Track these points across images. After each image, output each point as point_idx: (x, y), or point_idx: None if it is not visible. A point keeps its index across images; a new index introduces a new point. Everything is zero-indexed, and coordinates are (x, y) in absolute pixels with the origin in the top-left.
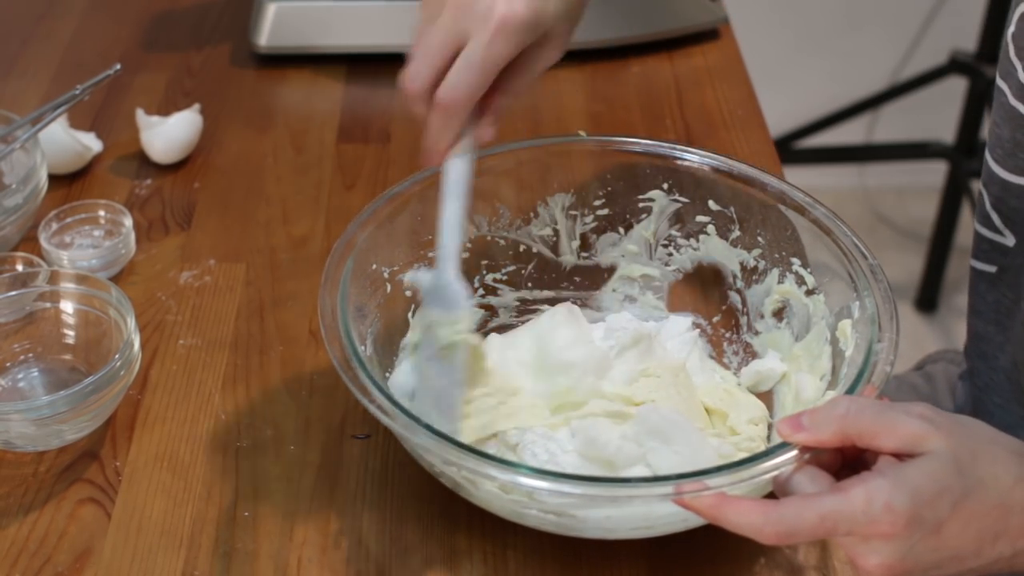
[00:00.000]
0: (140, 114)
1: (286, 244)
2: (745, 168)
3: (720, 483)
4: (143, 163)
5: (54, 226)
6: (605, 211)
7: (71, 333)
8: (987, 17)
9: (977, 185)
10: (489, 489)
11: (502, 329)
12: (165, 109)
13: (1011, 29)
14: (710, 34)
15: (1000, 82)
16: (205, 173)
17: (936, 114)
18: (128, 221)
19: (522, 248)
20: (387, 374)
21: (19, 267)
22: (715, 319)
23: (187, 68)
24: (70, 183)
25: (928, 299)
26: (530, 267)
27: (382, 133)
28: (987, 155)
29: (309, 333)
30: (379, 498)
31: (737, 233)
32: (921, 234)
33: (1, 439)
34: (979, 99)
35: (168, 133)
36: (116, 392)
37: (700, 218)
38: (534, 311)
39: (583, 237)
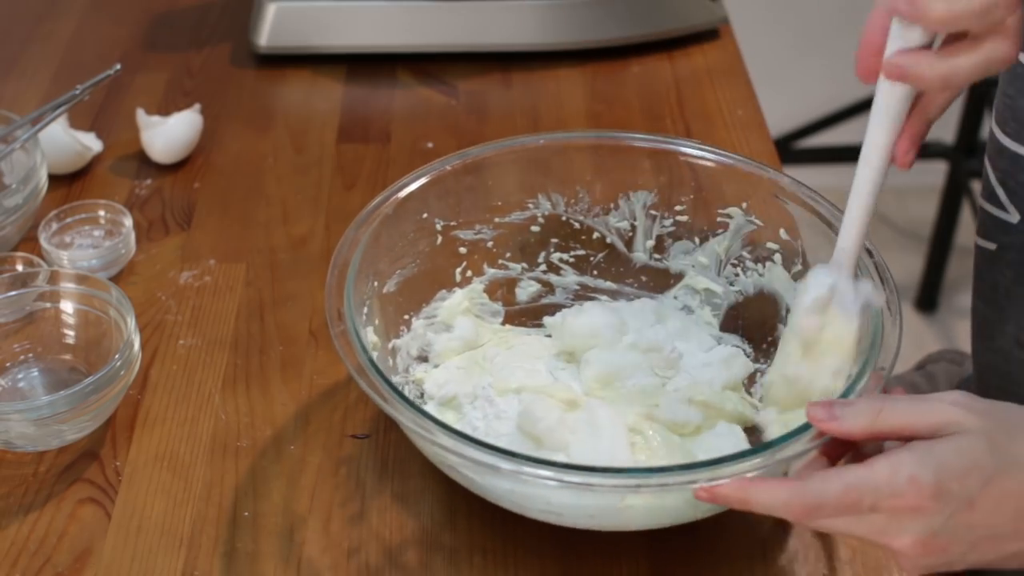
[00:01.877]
0: (140, 114)
1: (286, 244)
2: (820, 204)
3: (736, 470)
4: (143, 163)
5: (54, 226)
6: (685, 218)
7: (71, 333)
8: None
9: (986, 171)
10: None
11: (553, 308)
12: (165, 109)
13: None
14: (710, 34)
15: (1022, 56)
16: (205, 173)
17: None
18: (128, 221)
19: (596, 235)
20: (407, 316)
21: (19, 267)
22: (759, 348)
23: (187, 68)
24: (70, 183)
25: (928, 299)
26: (600, 256)
27: (382, 133)
28: (995, 129)
29: (309, 333)
30: (379, 498)
31: (799, 267)
32: (921, 234)
33: (1, 439)
34: (979, 99)
35: (168, 133)
36: (116, 392)
37: (770, 245)
38: (592, 299)
39: (659, 239)
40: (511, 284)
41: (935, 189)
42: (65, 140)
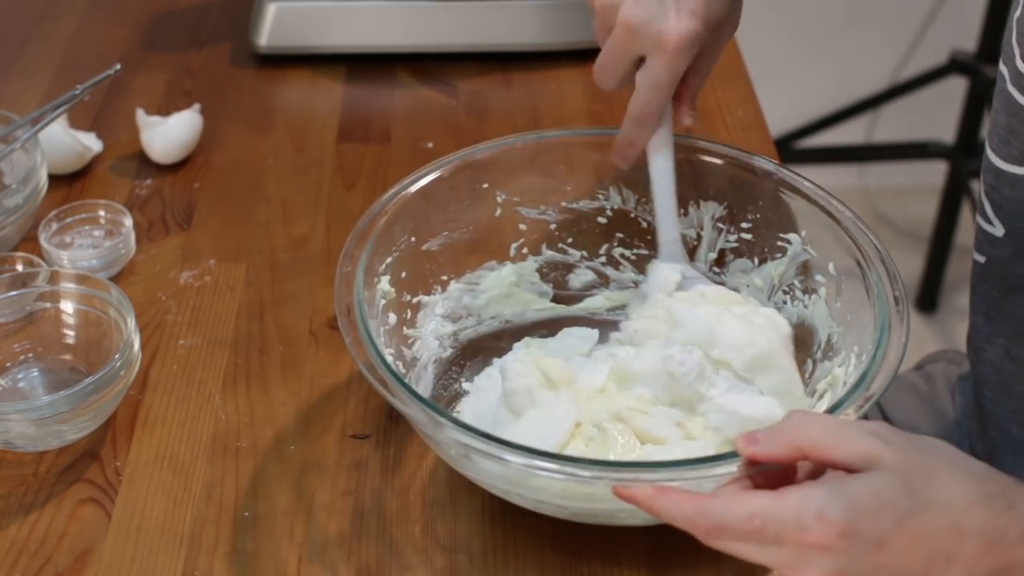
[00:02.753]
0: (140, 114)
1: (286, 244)
2: (870, 245)
3: (651, 478)
4: (143, 163)
5: (54, 226)
6: (749, 236)
7: (71, 333)
8: (987, 17)
9: (978, 184)
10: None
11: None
12: (165, 109)
13: (1017, 12)
14: None
15: (1001, 67)
16: (205, 173)
17: (936, 114)
18: (128, 221)
19: None
20: (444, 276)
21: (19, 267)
22: None
23: (187, 68)
24: (70, 183)
25: (928, 299)
26: None
27: (382, 133)
28: (986, 142)
29: (309, 333)
30: (379, 497)
31: (839, 305)
32: (921, 234)
33: (1, 439)
34: (979, 99)
35: (168, 133)
36: (116, 392)
37: (819, 277)
38: None
39: (721, 253)
40: (566, 269)
41: (935, 189)
42: (65, 140)
